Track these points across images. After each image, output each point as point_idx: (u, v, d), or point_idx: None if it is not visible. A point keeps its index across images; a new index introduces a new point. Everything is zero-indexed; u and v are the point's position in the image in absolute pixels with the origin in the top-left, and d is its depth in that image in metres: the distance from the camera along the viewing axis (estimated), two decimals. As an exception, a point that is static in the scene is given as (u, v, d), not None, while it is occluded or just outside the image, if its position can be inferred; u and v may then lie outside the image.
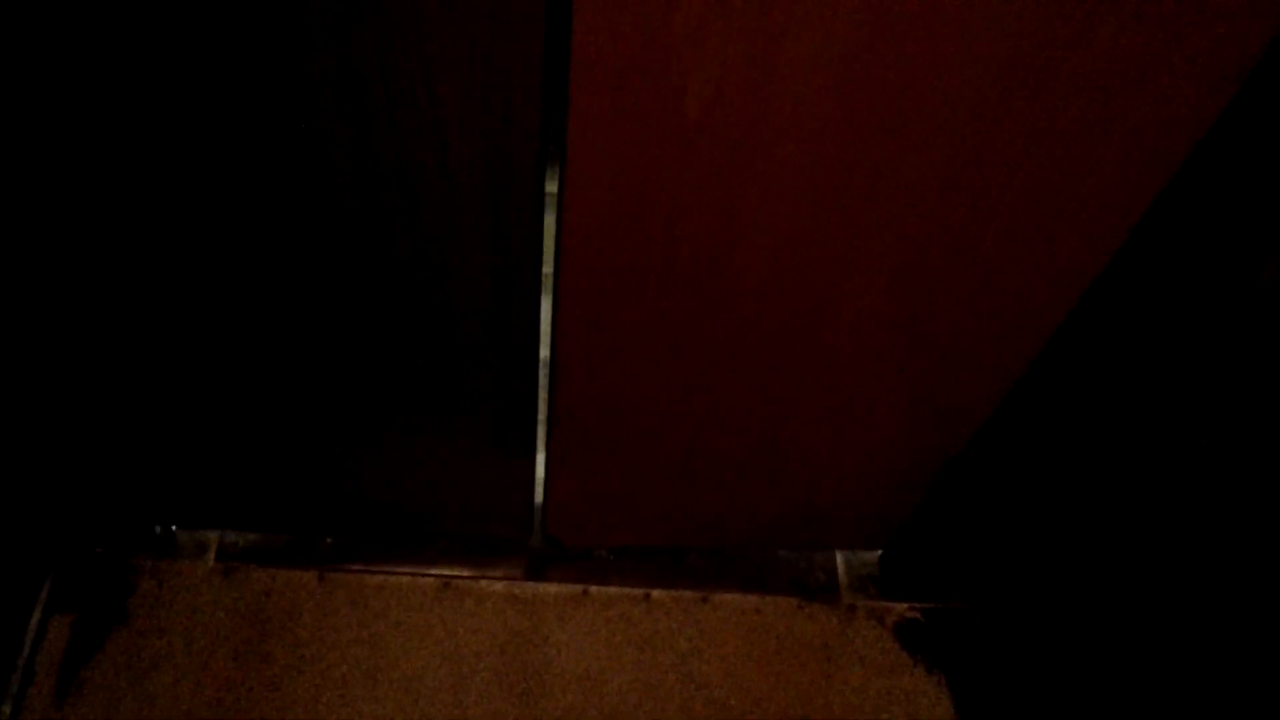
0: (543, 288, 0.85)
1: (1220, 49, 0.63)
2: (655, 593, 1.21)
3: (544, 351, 0.93)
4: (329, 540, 1.22)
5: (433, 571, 1.20)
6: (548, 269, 0.83)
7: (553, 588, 1.20)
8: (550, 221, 0.80)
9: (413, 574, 1.19)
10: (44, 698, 1.07)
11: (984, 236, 0.77)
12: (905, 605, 1.23)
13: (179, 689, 1.09)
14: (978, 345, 0.90)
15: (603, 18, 0.60)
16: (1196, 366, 0.84)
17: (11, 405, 0.97)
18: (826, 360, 0.92)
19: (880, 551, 1.28)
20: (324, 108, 0.67)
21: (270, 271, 0.82)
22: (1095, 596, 1.02)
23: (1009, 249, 0.79)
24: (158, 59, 0.63)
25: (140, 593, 1.15)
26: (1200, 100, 0.67)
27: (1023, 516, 1.11)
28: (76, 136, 0.69)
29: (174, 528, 1.21)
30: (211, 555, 1.19)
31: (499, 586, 1.19)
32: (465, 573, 1.20)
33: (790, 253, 0.79)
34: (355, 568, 1.19)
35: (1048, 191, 0.74)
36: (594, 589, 1.20)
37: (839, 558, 1.27)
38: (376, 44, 0.62)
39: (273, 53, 0.63)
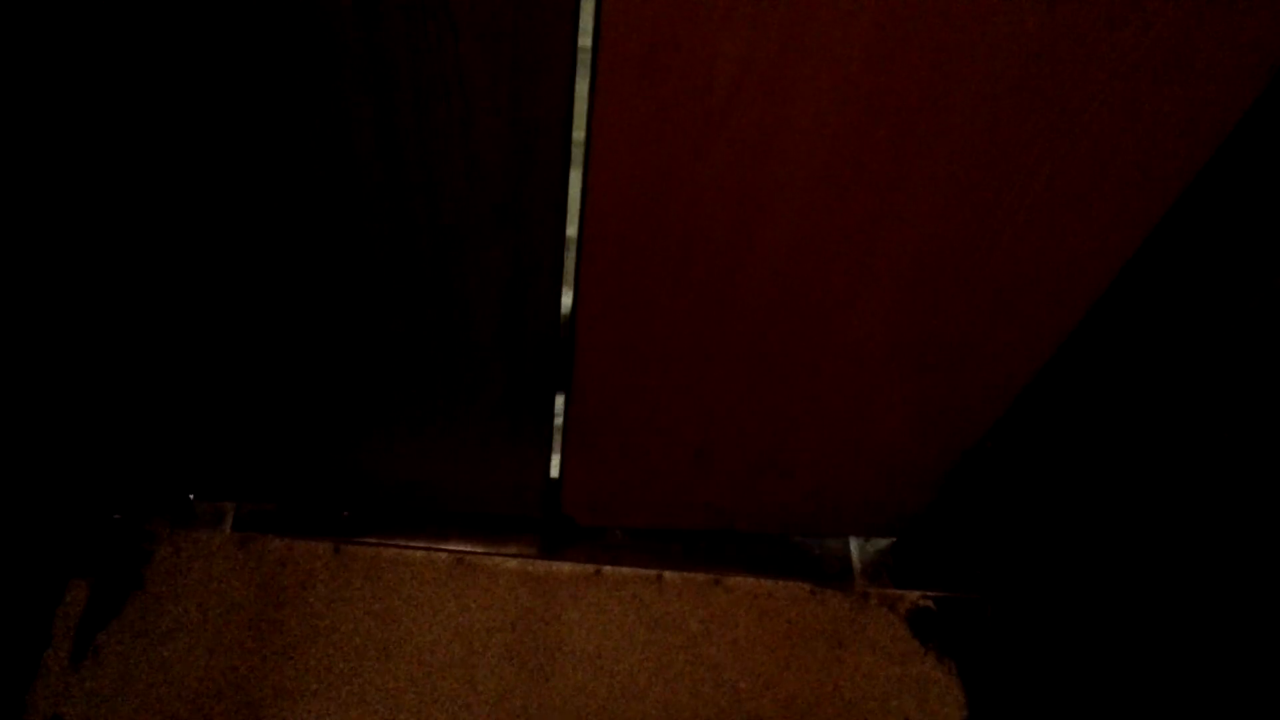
0: (566, 248, 0.84)
1: (1242, 54, 0.62)
2: (667, 574, 1.21)
3: (566, 300, 0.90)
4: (345, 513, 1.22)
5: (447, 547, 1.20)
6: (571, 231, 0.81)
7: (566, 566, 1.20)
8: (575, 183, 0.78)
9: (427, 548, 1.20)
10: (60, 662, 1.08)
11: (1002, 232, 0.77)
12: (918, 593, 1.23)
13: (194, 656, 1.10)
14: (994, 341, 0.90)
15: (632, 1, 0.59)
16: (1211, 365, 0.83)
17: (39, 373, 0.98)
18: (843, 353, 0.91)
19: (894, 539, 1.28)
20: (349, 85, 0.66)
21: (299, 258, 0.82)
22: (1108, 589, 1.02)
23: (1026, 247, 0.78)
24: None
25: (157, 560, 1.16)
26: (1219, 106, 0.66)
27: (1038, 508, 1.11)
28: (119, 141, 0.69)
29: (192, 496, 1.22)
30: (228, 524, 1.19)
31: (512, 564, 1.20)
32: (479, 549, 1.20)
33: (808, 243, 0.78)
34: (370, 540, 1.20)
35: (1066, 191, 0.73)
36: (607, 569, 1.20)
37: (852, 544, 1.27)
38: (404, 15, 0.62)
39: (303, 53, 0.63)
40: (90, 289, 0.87)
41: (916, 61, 0.63)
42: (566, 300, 0.89)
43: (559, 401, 1.05)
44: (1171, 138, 0.68)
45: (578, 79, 0.67)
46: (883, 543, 1.28)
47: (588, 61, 0.65)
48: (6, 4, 0.61)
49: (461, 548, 1.20)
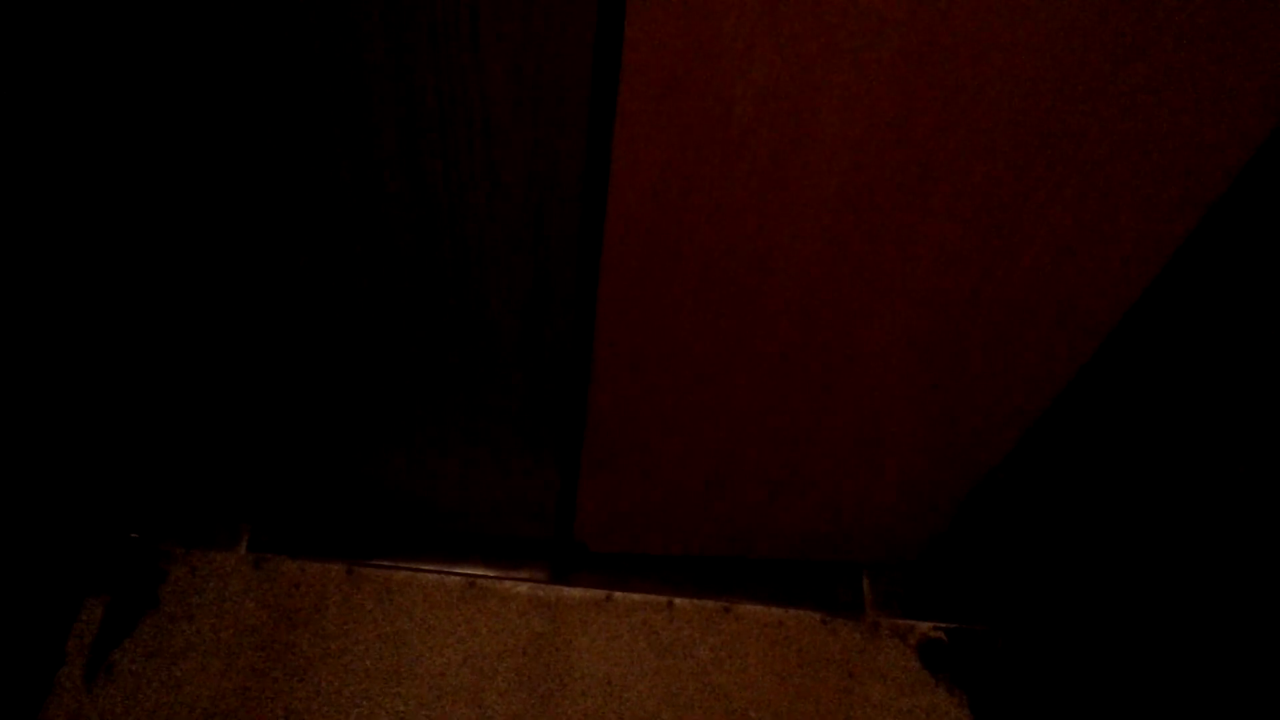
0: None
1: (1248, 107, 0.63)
2: (678, 601, 1.21)
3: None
4: (358, 534, 1.23)
5: (458, 570, 1.21)
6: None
7: (576, 592, 1.20)
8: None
9: (439, 572, 1.20)
10: (74, 680, 1.09)
11: (1020, 257, 0.78)
12: (929, 624, 1.22)
13: (206, 676, 1.10)
14: (1009, 366, 0.90)
15: (654, 27, 0.61)
16: (1237, 395, 0.83)
17: (58, 391, 1.00)
18: (856, 379, 0.92)
19: (905, 568, 1.28)
20: (376, 103, 0.68)
21: (321, 271, 0.83)
22: (1123, 624, 1.01)
23: (1044, 272, 0.79)
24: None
25: (172, 580, 1.17)
26: (1233, 136, 0.67)
27: (1051, 539, 1.11)
28: (136, 165, 0.71)
29: (208, 516, 1.23)
30: (244, 544, 1.20)
31: (523, 588, 1.20)
32: (491, 573, 1.21)
33: (826, 267, 0.80)
34: (383, 563, 1.20)
35: (1084, 219, 0.74)
36: (617, 595, 1.21)
37: (864, 573, 1.27)
38: (430, 40, 0.64)
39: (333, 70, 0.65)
40: (110, 306, 0.89)
41: (934, 92, 0.64)
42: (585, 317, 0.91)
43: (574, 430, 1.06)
44: (1188, 165, 0.69)
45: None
46: (894, 572, 1.28)
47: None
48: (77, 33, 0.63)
49: (473, 571, 1.21)
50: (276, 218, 0.79)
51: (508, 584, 1.20)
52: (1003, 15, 0.60)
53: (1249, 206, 0.74)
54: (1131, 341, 0.88)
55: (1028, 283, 0.80)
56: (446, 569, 1.21)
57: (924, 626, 1.22)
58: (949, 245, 0.77)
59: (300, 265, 0.83)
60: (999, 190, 0.71)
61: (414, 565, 1.20)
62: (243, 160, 0.73)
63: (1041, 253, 0.77)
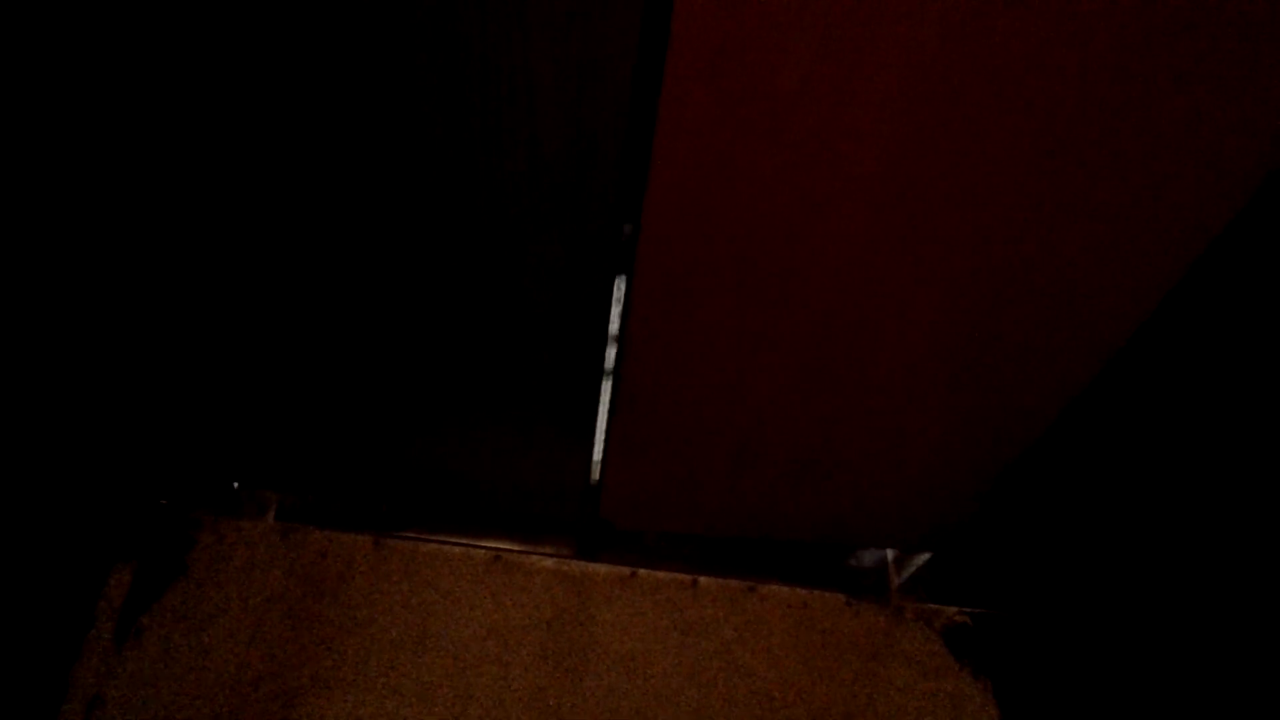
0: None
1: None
2: (703, 579, 1.21)
3: (611, 326, 0.93)
4: (385, 507, 1.23)
5: (484, 544, 1.21)
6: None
7: (601, 568, 1.20)
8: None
9: (465, 545, 1.21)
10: (103, 642, 1.10)
11: (1054, 251, 0.77)
12: (954, 609, 1.22)
13: (234, 643, 1.11)
14: (1039, 358, 0.89)
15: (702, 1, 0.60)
16: (1262, 391, 0.82)
17: (90, 364, 1.00)
18: (888, 364, 0.91)
19: (931, 554, 1.27)
20: (422, 70, 0.68)
21: (359, 239, 0.83)
22: (1148, 613, 1.01)
23: (1078, 266, 0.78)
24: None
25: (200, 547, 1.18)
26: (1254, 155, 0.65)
27: (1076, 527, 1.10)
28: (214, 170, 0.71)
29: (236, 485, 1.23)
30: (271, 514, 1.21)
31: (549, 563, 1.20)
32: (516, 547, 1.21)
33: (862, 249, 0.79)
34: (409, 535, 1.21)
35: (1120, 213, 0.73)
36: (642, 572, 1.21)
37: (889, 557, 1.26)
38: (480, 12, 0.63)
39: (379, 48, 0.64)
40: (144, 280, 0.89)
41: (974, 80, 0.63)
42: (619, 291, 0.90)
43: (602, 408, 1.05)
44: (1216, 176, 0.68)
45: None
46: (920, 557, 1.27)
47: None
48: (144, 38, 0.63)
49: (498, 545, 1.21)
50: (322, 187, 0.78)
51: (533, 558, 1.20)
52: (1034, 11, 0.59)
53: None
54: (1156, 339, 0.87)
55: (1059, 277, 0.79)
56: (473, 542, 1.21)
57: (949, 611, 1.22)
58: (981, 236, 0.76)
59: (342, 234, 0.83)
60: (1037, 178, 0.70)
61: (441, 538, 1.21)
62: (277, 127, 0.73)
63: (1076, 243, 0.76)
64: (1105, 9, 0.60)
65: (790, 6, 0.60)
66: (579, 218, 0.80)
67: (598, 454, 1.15)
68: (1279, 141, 0.67)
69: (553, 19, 0.63)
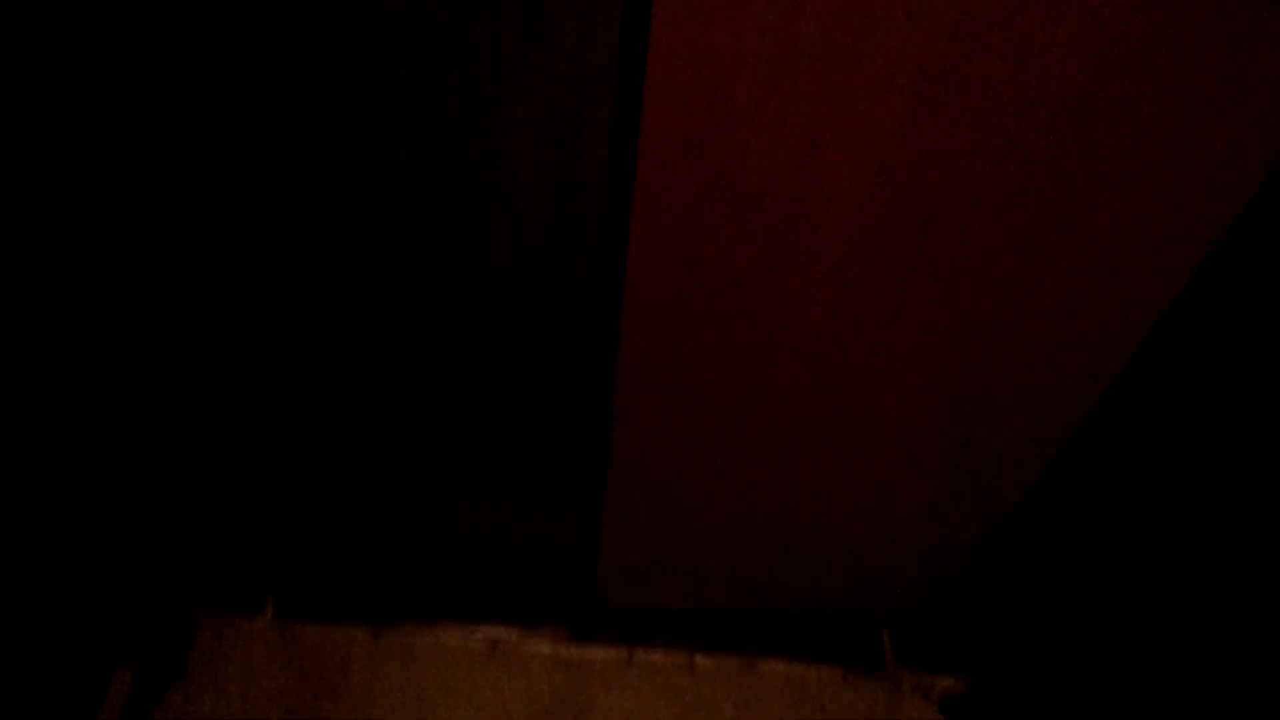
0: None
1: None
2: (700, 658, 1.22)
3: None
4: (381, 596, 1.24)
5: (481, 632, 1.22)
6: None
7: (598, 651, 1.21)
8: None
9: (461, 634, 1.21)
10: (102, 749, 1.10)
11: (1028, 308, 0.81)
12: (951, 679, 1.22)
13: (233, 744, 1.11)
14: (1024, 417, 0.93)
15: (671, 93, 0.66)
16: (1242, 449, 0.85)
17: (85, 466, 1.03)
18: (874, 429, 0.95)
19: (925, 619, 1.28)
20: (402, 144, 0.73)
21: (342, 320, 0.87)
22: (1141, 675, 1.02)
23: (1053, 320, 0.82)
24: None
25: (199, 648, 1.18)
26: (1242, 173, 0.71)
27: (1070, 589, 1.12)
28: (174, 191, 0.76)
29: (232, 583, 1.24)
30: (269, 610, 1.22)
31: (545, 648, 1.21)
32: (512, 634, 1.22)
33: (842, 314, 0.83)
34: (406, 625, 1.22)
35: (1090, 268, 0.78)
36: (639, 653, 1.21)
37: (885, 626, 1.28)
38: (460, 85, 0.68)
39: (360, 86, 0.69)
40: (145, 388, 0.93)
41: (943, 146, 0.69)
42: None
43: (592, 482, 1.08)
44: (1190, 215, 0.73)
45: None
46: (914, 623, 1.28)
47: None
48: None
49: (495, 633, 1.22)
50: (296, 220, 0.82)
51: (530, 645, 1.21)
52: (1002, 65, 0.65)
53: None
54: (1142, 389, 0.91)
55: (1042, 331, 0.83)
56: (469, 630, 1.22)
57: (945, 681, 1.22)
58: (963, 290, 0.80)
59: (323, 288, 0.87)
60: (1011, 235, 0.75)
61: (437, 627, 1.22)
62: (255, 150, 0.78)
63: (1055, 297, 0.80)
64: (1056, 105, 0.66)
65: (754, 95, 0.66)
66: (562, 300, 0.84)
67: (593, 531, 1.17)
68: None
69: (530, 106, 0.69)
